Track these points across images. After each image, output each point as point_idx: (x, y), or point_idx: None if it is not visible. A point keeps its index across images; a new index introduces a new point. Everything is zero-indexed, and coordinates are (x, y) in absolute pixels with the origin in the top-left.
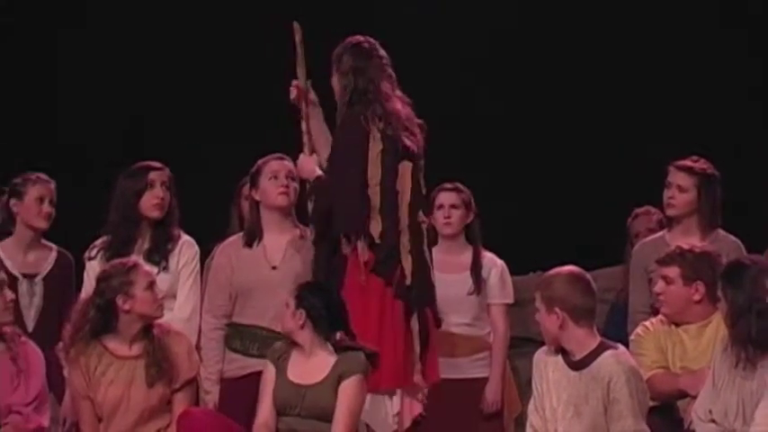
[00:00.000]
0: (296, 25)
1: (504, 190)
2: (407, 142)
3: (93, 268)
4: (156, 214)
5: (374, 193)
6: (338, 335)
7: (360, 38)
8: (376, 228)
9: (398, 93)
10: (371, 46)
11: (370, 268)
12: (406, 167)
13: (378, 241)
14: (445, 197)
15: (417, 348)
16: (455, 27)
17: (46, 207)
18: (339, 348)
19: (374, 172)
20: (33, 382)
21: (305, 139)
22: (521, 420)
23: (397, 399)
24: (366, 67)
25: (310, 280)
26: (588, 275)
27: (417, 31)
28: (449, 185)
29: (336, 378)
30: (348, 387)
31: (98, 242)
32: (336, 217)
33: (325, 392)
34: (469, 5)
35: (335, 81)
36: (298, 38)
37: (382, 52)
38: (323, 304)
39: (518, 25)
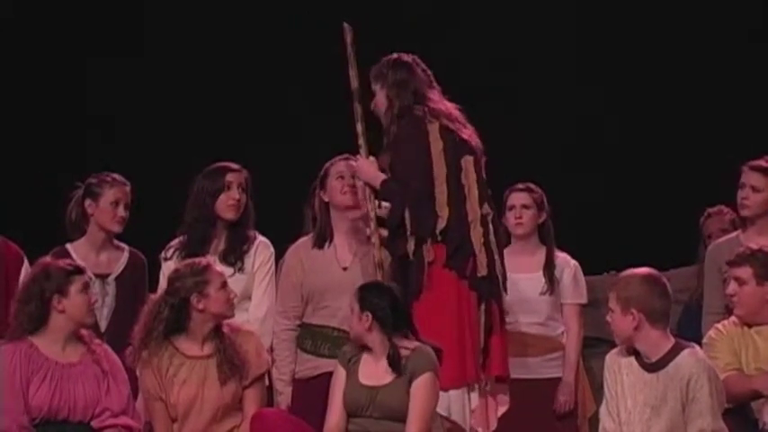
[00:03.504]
0: (346, 26)
1: (579, 190)
2: (464, 135)
3: (169, 268)
4: (230, 216)
5: (441, 192)
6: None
7: (400, 54)
8: (442, 225)
9: (446, 101)
10: (413, 60)
11: (441, 264)
12: (468, 161)
13: (439, 238)
14: (516, 197)
15: (482, 340)
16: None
17: (121, 211)
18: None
19: (439, 170)
20: (122, 382)
21: (360, 141)
22: (594, 421)
23: (474, 394)
24: (410, 79)
25: (372, 281)
26: (664, 277)
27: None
28: (520, 186)
29: (408, 377)
30: (420, 385)
31: (174, 242)
32: (409, 220)
33: (396, 392)
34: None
35: (380, 95)
36: (348, 39)
37: (424, 66)
38: (387, 304)
39: (602, 26)
